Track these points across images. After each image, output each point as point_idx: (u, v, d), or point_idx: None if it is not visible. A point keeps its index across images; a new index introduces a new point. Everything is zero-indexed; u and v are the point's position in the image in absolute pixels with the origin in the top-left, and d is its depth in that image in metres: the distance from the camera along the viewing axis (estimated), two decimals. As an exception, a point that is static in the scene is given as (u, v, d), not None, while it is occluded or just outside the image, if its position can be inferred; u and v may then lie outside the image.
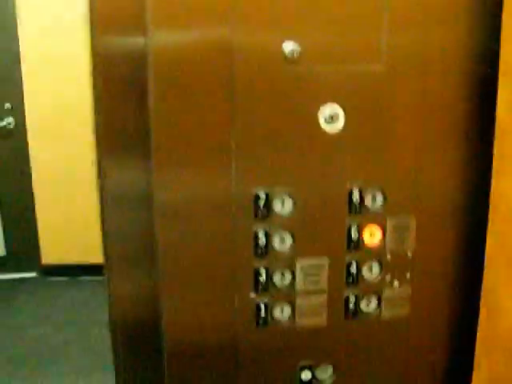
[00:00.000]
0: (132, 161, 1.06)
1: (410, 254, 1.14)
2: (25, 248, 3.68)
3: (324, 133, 1.05)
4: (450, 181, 1.12)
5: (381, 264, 1.14)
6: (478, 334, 1.14)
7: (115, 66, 1.01)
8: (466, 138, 1.10)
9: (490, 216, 1.09)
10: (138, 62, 0.99)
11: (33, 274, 3.70)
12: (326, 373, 1.17)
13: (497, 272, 1.09)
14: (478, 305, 1.13)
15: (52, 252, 3.66)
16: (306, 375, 1.16)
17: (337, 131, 1.05)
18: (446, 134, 1.10)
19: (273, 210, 1.07)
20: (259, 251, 1.08)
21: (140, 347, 1.13)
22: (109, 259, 1.08)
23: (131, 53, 1.01)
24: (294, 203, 1.07)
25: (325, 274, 1.11)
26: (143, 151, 1.02)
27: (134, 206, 1.07)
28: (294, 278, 1.10)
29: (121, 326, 1.12)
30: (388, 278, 1.15)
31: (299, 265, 1.10)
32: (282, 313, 1.12)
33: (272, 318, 1.12)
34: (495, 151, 1.06)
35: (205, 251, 1.07)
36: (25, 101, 3.46)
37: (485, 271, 1.11)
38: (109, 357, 1.12)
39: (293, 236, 1.08)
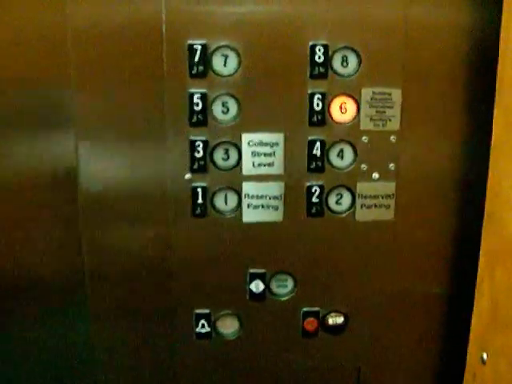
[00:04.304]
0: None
1: (394, 139, 0.89)
2: None
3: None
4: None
5: (354, 148, 0.89)
6: (481, 246, 0.87)
7: None
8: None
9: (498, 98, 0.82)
10: None
11: None
12: (283, 285, 0.94)
13: (505, 160, 0.82)
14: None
15: None
16: (257, 286, 0.94)
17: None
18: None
19: (212, 68, 0.85)
20: (195, 119, 0.87)
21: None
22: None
23: None
24: (240, 60, 0.85)
25: (280, 154, 0.89)
26: None
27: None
28: (240, 157, 0.89)
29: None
30: (364, 167, 0.90)
31: (246, 140, 0.88)
32: (225, 202, 0.90)
33: (213, 207, 0.90)
34: None
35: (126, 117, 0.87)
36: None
37: (490, 161, 0.84)
38: None
39: (238, 103, 0.87)
